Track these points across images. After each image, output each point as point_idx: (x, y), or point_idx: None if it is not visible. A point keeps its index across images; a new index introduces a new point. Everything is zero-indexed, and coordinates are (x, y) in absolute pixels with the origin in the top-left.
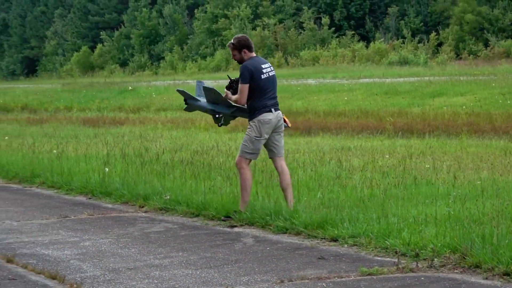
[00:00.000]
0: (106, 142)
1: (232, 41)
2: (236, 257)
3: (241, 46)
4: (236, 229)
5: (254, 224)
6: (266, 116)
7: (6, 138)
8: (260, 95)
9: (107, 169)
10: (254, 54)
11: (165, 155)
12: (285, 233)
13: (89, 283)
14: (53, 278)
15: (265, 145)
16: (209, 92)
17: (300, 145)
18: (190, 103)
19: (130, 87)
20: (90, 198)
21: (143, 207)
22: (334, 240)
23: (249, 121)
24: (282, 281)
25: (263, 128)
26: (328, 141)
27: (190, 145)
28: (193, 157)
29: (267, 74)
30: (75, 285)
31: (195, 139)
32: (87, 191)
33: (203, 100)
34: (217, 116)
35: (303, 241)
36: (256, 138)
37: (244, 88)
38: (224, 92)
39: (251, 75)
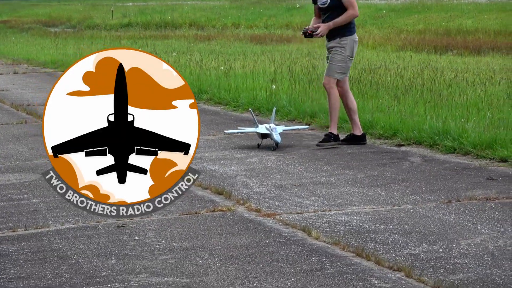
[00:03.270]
0: (273, 60)
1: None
2: (403, 176)
3: None
4: (403, 148)
5: (421, 144)
6: (356, 37)
7: (174, 54)
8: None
9: (274, 86)
10: None
11: None
12: (453, 153)
13: (256, 199)
14: (220, 193)
15: None
16: None
17: (470, 65)
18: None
19: (298, 5)
20: (257, 115)
21: (309, 124)
22: (503, 160)
23: (338, 39)
24: (449, 201)
25: (355, 48)
26: (498, 60)
27: (357, 63)
28: (361, 76)
29: None
30: (241, 201)
31: (363, 57)
32: (253, 107)
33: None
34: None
35: (471, 161)
36: (350, 58)
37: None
38: None
39: None
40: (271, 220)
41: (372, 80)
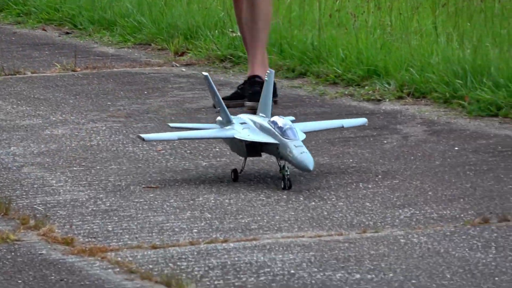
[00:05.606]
0: None
1: None
2: (386, 165)
3: None
4: (386, 105)
5: (426, 96)
6: None
7: None
8: None
9: None
10: None
11: None
12: (496, 115)
13: (64, 216)
14: None
15: None
16: None
17: None
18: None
19: None
20: (60, 36)
21: (182, 54)
22: None
23: None
24: (485, 220)
25: None
26: None
27: None
28: None
29: None
30: (32, 221)
31: None
32: (55, 19)
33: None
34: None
35: None
36: None
37: None
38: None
39: None
40: (97, 263)
41: None
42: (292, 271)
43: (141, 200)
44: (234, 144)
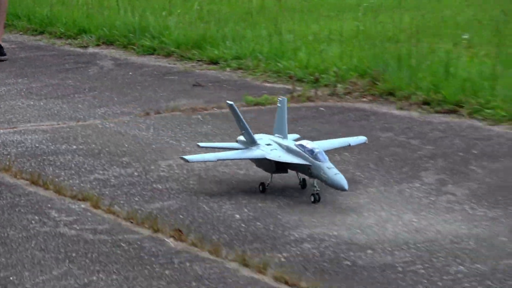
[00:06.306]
0: None
1: None
2: (90, 84)
3: None
4: (90, 50)
5: (113, 44)
6: None
7: None
8: None
9: None
10: None
11: None
12: (152, 54)
13: None
14: None
15: None
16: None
17: None
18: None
19: None
20: None
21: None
22: (214, 62)
23: None
24: (147, 114)
25: None
26: None
27: None
28: None
29: None
30: None
31: None
32: None
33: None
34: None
35: (174, 64)
36: None
37: None
38: None
39: None
40: None
41: None
42: (37, 145)
43: None
44: (262, 162)
